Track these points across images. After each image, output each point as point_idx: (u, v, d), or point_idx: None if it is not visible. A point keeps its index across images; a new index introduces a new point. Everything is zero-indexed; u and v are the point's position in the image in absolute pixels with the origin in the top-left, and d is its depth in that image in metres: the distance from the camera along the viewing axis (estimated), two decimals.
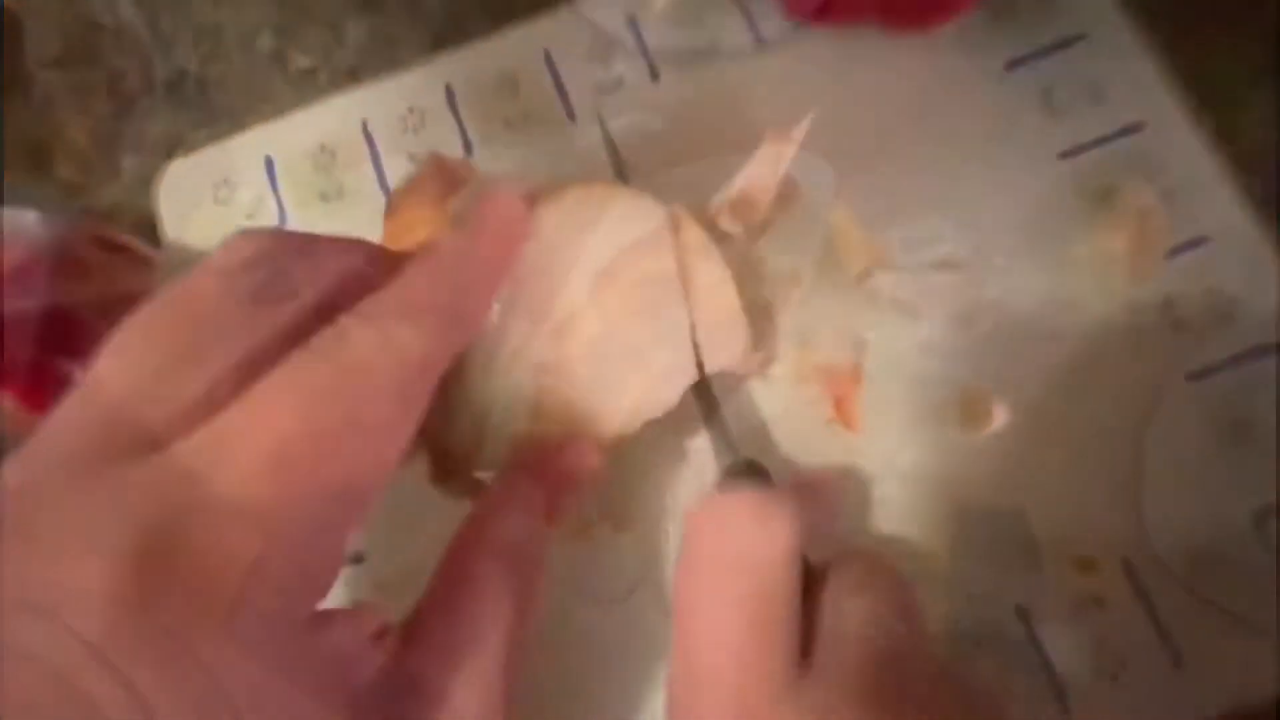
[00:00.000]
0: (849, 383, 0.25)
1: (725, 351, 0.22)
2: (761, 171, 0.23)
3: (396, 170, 0.29)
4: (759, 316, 0.24)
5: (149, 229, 0.30)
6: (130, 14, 0.33)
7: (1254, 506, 0.23)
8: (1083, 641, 0.23)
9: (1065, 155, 0.26)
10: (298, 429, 0.14)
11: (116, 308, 0.16)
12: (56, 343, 0.26)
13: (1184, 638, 0.22)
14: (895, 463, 0.24)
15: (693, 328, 0.21)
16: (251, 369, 0.15)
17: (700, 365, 0.22)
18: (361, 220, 0.28)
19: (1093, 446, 0.24)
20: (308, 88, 0.31)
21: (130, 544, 0.12)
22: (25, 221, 0.26)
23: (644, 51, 0.29)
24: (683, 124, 0.28)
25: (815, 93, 0.26)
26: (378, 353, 0.15)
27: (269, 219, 0.30)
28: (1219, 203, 0.25)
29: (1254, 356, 0.24)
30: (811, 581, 0.20)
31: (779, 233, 0.24)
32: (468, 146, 0.29)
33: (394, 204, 0.22)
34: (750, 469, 0.23)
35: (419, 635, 0.17)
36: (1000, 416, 0.24)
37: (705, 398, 0.25)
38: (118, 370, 0.15)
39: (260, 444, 0.14)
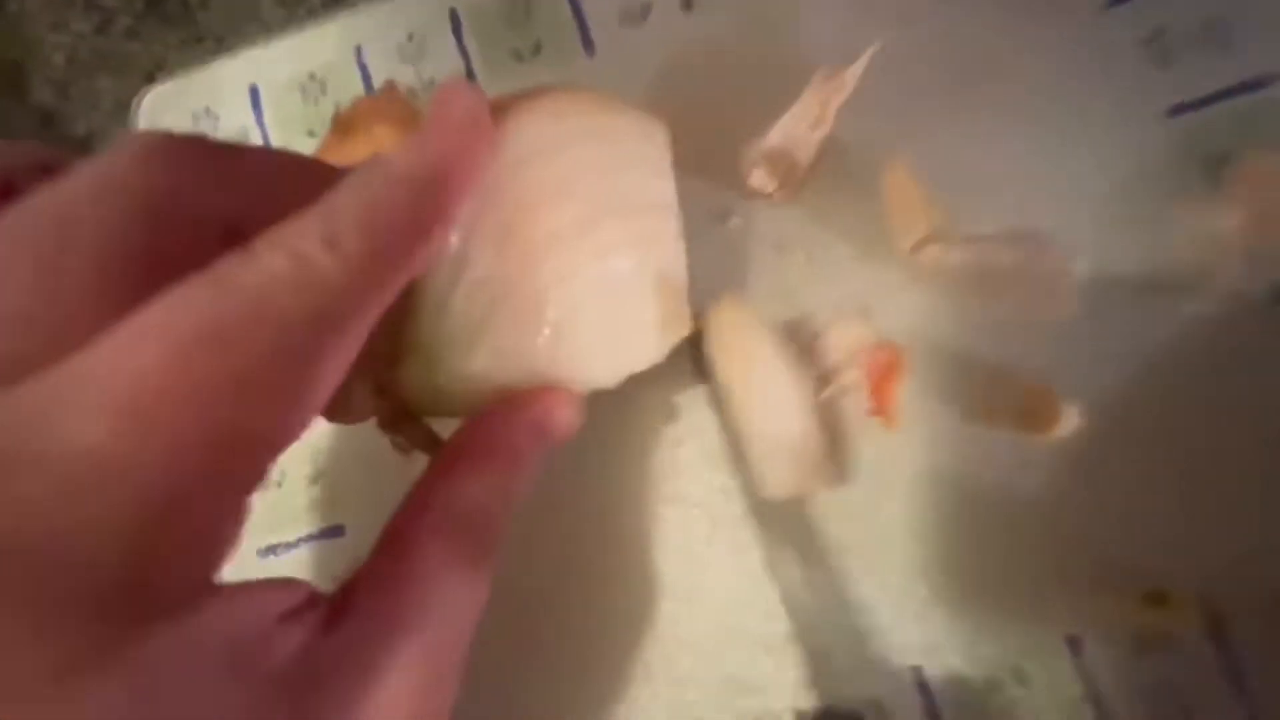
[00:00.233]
0: (891, 370, 0.23)
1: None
2: (806, 119, 0.21)
3: None
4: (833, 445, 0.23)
5: None
6: None
7: None
8: (1144, 682, 0.21)
9: (1174, 112, 0.24)
10: (172, 369, 0.12)
11: None
12: None
13: (1265, 694, 0.21)
14: (937, 465, 0.23)
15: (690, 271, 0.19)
16: (134, 296, 0.13)
17: (696, 317, 0.20)
18: None
19: (1189, 465, 0.22)
20: (298, 8, 0.31)
21: None
22: None
23: None
24: (717, 61, 0.26)
25: (874, 28, 0.24)
26: (288, 283, 0.13)
27: None
28: None
29: None
30: None
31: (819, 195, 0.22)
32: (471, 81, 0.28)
33: (339, 123, 0.19)
34: None
35: (351, 611, 0.15)
36: (1070, 420, 0.22)
37: (699, 361, 0.23)
38: None
39: (123, 385, 0.12)
